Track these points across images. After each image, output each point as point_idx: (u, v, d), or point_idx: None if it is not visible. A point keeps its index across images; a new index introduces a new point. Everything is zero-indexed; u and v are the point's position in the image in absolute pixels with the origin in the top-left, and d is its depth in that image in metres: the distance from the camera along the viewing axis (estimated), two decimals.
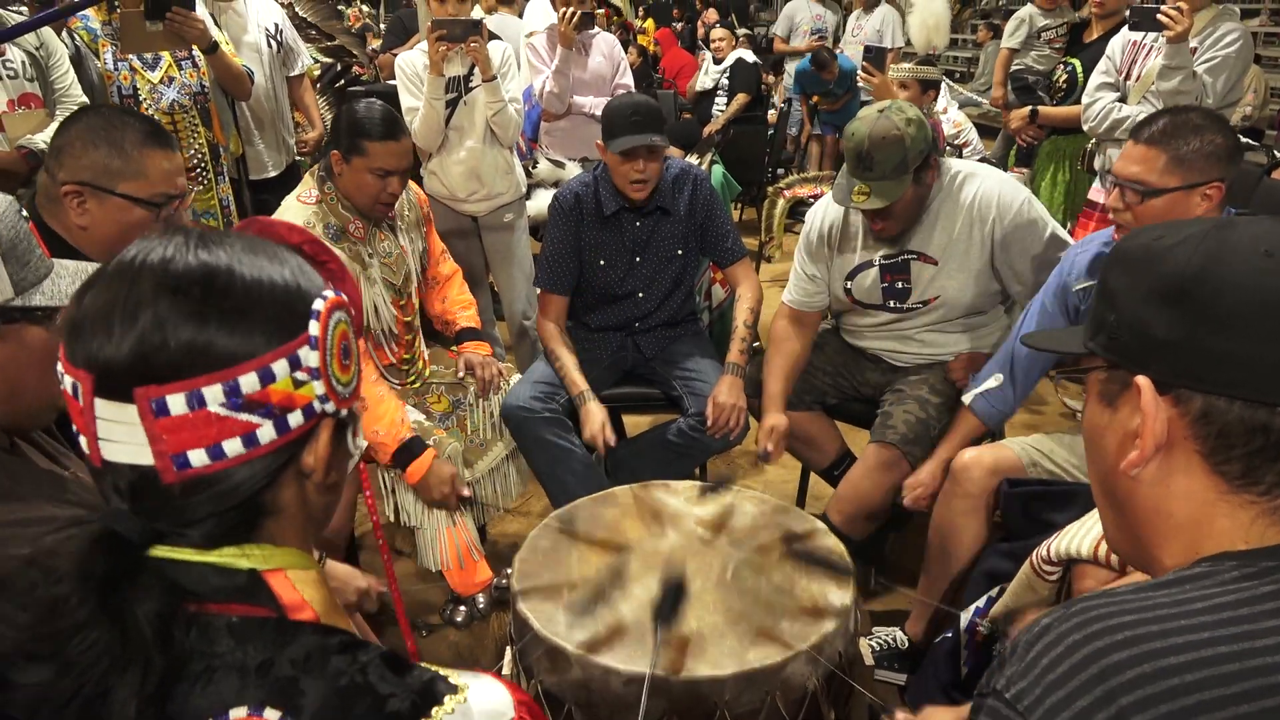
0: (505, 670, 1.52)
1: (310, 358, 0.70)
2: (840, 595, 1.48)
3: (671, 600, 1.35)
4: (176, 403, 0.65)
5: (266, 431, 0.68)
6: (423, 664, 0.69)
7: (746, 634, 1.39)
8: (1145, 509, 0.73)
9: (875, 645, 2.15)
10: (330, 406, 0.72)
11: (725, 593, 1.49)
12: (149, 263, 0.68)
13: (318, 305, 0.71)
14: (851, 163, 2.10)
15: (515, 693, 0.71)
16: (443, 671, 0.69)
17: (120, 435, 0.66)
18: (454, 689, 0.67)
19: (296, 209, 2.20)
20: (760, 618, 1.43)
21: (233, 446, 0.67)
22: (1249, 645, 0.59)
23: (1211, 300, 0.67)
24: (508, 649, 1.54)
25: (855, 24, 6.69)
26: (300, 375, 0.70)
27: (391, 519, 2.24)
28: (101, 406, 0.66)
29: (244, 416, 0.67)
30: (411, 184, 2.44)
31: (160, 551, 0.68)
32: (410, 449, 2.12)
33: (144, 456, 0.66)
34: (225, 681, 0.64)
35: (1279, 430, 0.66)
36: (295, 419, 0.70)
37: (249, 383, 0.67)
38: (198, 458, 0.66)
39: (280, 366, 0.68)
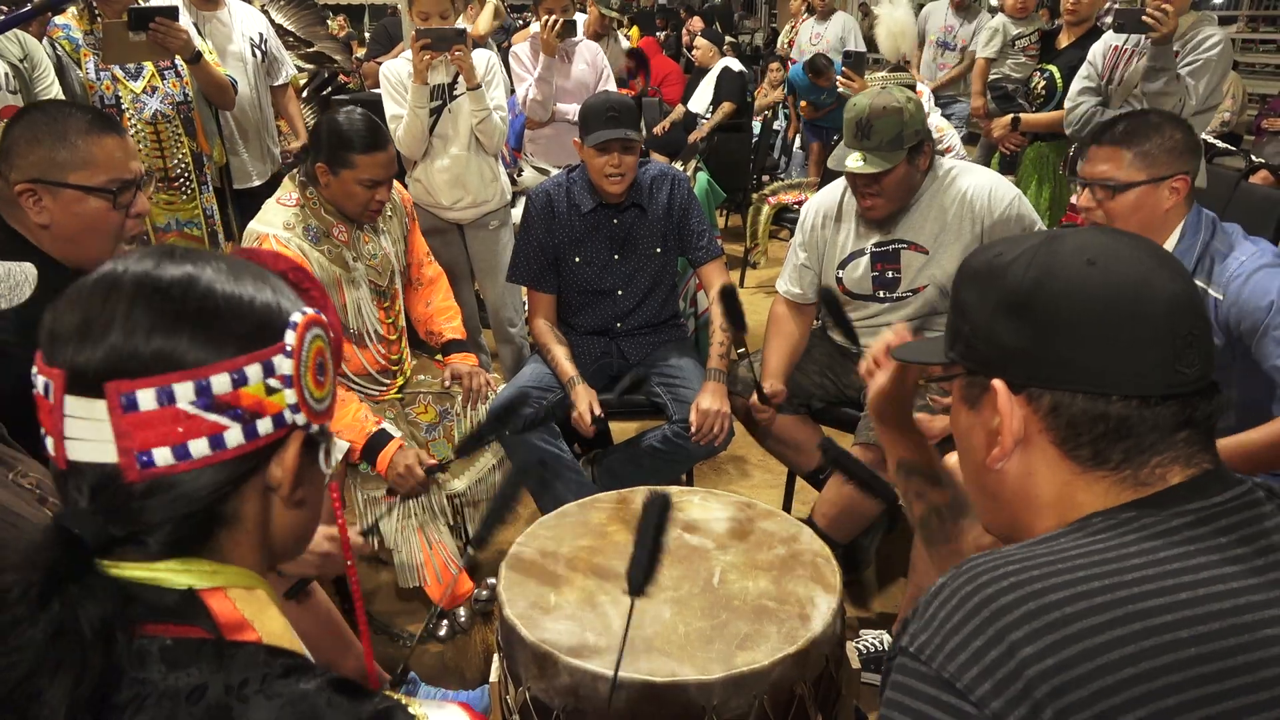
0: (493, 677, 1.52)
1: (284, 365, 0.70)
2: (827, 599, 1.49)
3: (657, 521, 1.21)
4: (146, 398, 0.64)
5: (234, 435, 0.67)
6: (385, 692, 0.67)
7: (734, 638, 1.39)
8: (1014, 495, 0.83)
9: (861, 649, 2.15)
10: (301, 419, 0.71)
11: (712, 597, 1.50)
12: (131, 271, 0.68)
13: (295, 318, 0.72)
14: (850, 132, 2.17)
15: None
16: (404, 700, 0.66)
17: (87, 432, 0.65)
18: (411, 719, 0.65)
19: (276, 210, 2.21)
20: (747, 622, 1.43)
21: (198, 447, 0.66)
22: (1118, 579, 0.68)
23: (1047, 310, 0.77)
24: (495, 656, 1.53)
25: (812, 32, 6.71)
26: (273, 382, 0.69)
27: (358, 540, 2.23)
28: (71, 404, 0.65)
29: (212, 417, 0.66)
30: (396, 184, 2.45)
31: (109, 567, 0.66)
32: (376, 443, 2.13)
33: (109, 454, 0.65)
34: (155, 710, 0.61)
35: (1115, 417, 0.75)
36: (264, 426, 0.69)
37: (220, 383, 0.66)
38: (162, 456, 0.65)
39: (253, 370, 0.68)
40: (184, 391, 0.65)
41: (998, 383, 0.79)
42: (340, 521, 0.87)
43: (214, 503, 0.69)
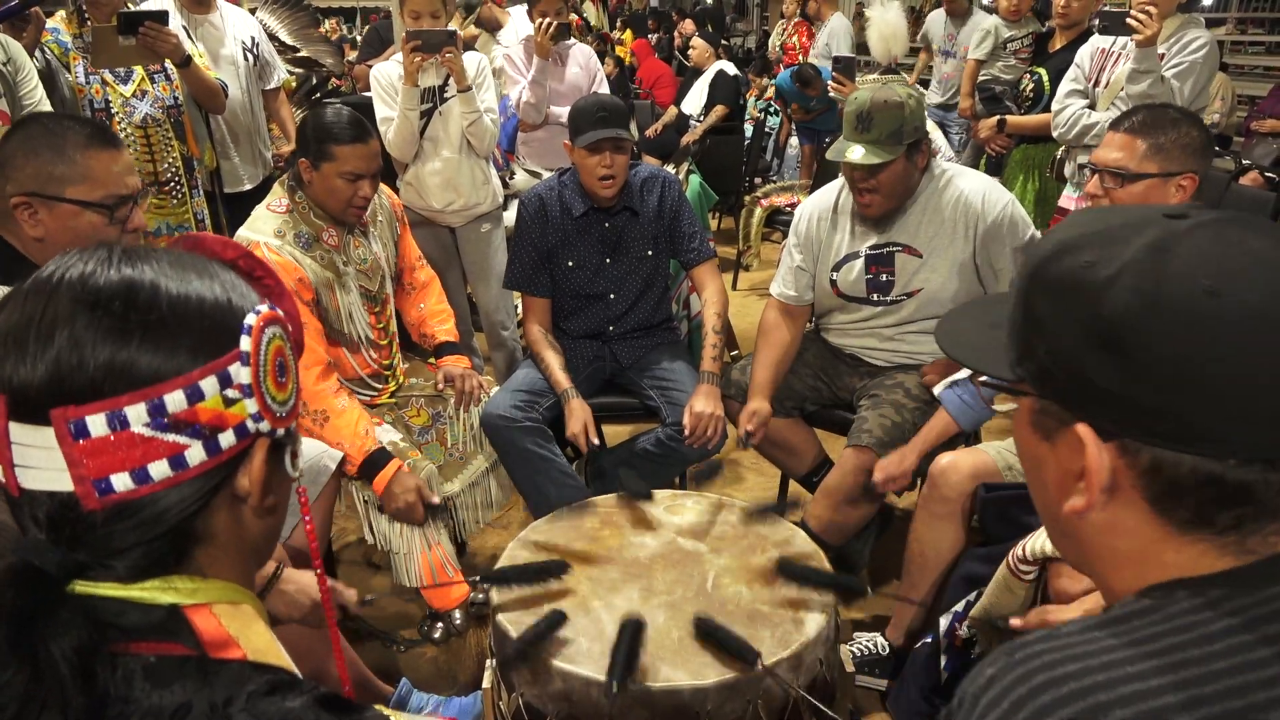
0: (486, 684, 1.51)
1: (241, 374, 0.66)
2: (820, 602, 1.49)
3: (628, 647, 1.30)
4: (97, 424, 0.61)
5: (196, 453, 0.64)
6: (375, 705, 0.65)
7: None
8: (1091, 542, 0.70)
9: (856, 651, 2.15)
10: (265, 426, 0.68)
11: (706, 602, 1.49)
12: (67, 279, 0.64)
13: (249, 320, 0.68)
14: (850, 125, 2.17)
15: None
16: (392, 715, 0.65)
17: (38, 461, 0.62)
18: None
19: (266, 217, 2.19)
20: (742, 626, 1.43)
21: (159, 469, 0.63)
22: (1197, 692, 0.56)
23: (1153, 353, 0.60)
24: (488, 662, 1.53)
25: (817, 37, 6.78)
26: (231, 393, 0.66)
27: (368, 540, 2.24)
28: (17, 431, 0.62)
29: (170, 437, 0.63)
30: (385, 188, 2.43)
31: (82, 587, 0.63)
32: (376, 461, 2.11)
33: (63, 483, 0.62)
34: None
35: (1233, 483, 0.60)
36: (227, 439, 0.66)
37: (175, 401, 0.63)
38: (121, 482, 0.62)
39: (209, 384, 0.65)
40: (136, 414, 0.62)
41: (1084, 430, 0.64)
42: (309, 528, 0.83)
43: (182, 522, 0.66)
